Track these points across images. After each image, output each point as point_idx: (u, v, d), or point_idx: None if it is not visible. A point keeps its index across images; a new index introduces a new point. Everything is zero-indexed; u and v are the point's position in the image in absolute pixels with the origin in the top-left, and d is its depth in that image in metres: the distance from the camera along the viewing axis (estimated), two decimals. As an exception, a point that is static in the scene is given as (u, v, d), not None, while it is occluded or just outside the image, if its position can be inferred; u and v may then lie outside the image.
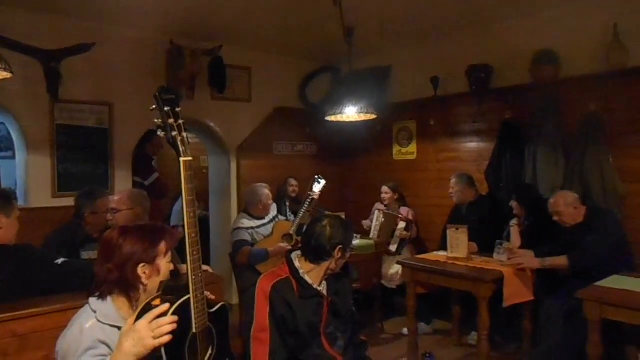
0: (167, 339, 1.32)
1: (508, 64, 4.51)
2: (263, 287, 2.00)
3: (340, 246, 2.06)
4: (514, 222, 3.92)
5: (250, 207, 4.12)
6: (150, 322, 1.32)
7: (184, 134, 1.49)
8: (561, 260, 3.25)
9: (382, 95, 5.46)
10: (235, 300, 4.92)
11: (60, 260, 2.34)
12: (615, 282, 2.95)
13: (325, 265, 2.06)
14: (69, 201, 3.80)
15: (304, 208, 4.20)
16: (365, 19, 4.34)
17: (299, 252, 2.13)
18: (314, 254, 2.06)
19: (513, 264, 3.39)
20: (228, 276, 4.66)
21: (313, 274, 2.06)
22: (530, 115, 4.30)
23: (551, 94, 4.18)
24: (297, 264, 2.08)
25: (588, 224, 3.37)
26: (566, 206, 3.37)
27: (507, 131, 4.48)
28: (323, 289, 2.09)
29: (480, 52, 4.68)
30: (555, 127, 4.14)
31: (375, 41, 5.20)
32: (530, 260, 3.38)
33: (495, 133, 4.60)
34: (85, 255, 2.97)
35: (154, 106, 1.45)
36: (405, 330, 4.19)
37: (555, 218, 3.44)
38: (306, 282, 2.04)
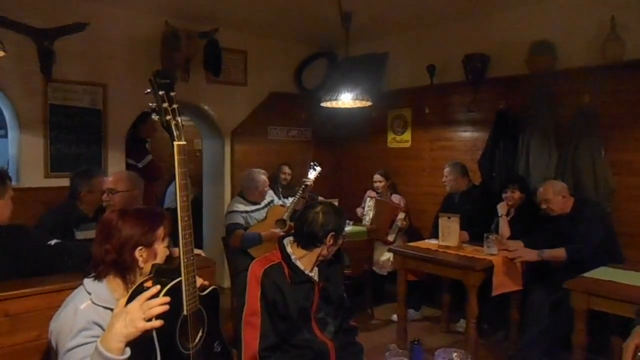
0: (158, 323, 1.33)
1: (504, 53, 4.50)
2: (255, 271, 2.02)
3: (333, 233, 2.08)
4: (501, 204, 3.95)
5: (246, 192, 4.14)
6: (142, 303, 1.33)
7: (178, 118, 1.49)
8: (559, 252, 3.28)
9: (378, 82, 5.45)
10: (227, 283, 4.95)
11: (53, 242, 2.33)
12: (602, 273, 3.00)
13: (317, 251, 2.08)
14: (61, 181, 3.81)
15: (299, 194, 4.22)
16: (363, 4, 4.31)
17: (291, 238, 2.14)
18: (306, 240, 2.07)
19: (512, 257, 3.41)
20: (220, 259, 4.68)
21: (305, 260, 2.08)
22: (524, 105, 4.30)
23: (546, 85, 4.19)
24: (289, 249, 2.09)
25: (575, 215, 3.41)
26: (554, 194, 3.41)
27: (501, 121, 4.48)
28: (314, 274, 2.11)
29: (477, 42, 4.66)
30: (549, 118, 4.15)
31: (372, 27, 5.17)
32: (528, 253, 3.40)
33: (489, 123, 4.61)
34: (80, 235, 2.97)
35: (148, 90, 1.45)
36: (394, 317, 4.25)
37: (544, 206, 3.48)
38: (298, 267, 2.05)
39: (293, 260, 2.06)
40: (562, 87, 4.14)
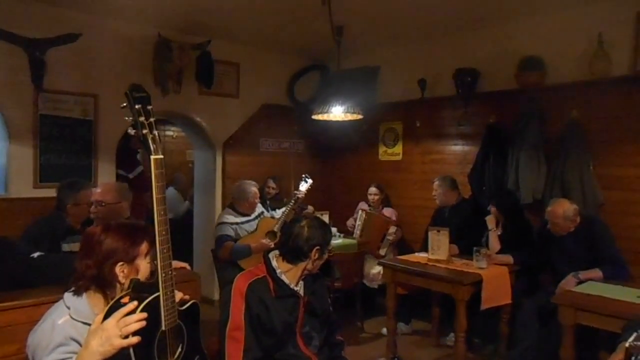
0: (135, 340, 1.31)
1: (494, 68, 4.54)
2: (239, 285, 2.01)
3: (318, 247, 2.07)
4: (490, 217, 3.95)
5: (236, 203, 4.14)
6: (118, 320, 1.32)
7: (155, 132, 1.47)
8: (595, 273, 3.21)
9: (370, 95, 5.47)
10: (216, 295, 4.92)
11: (36, 254, 2.32)
12: (590, 288, 3.00)
13: (302, 265, 2.07)
14: (50, 192, 3.76)
15: (290, 206, 4.21)
16: (355, 18, 4.34)
17: (276, 252, 2.14)
18: (291, 254, 2.07)
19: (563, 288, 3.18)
20: (210, 271, 4.66)
21: (290, 274, 2.07)
22: (514, 120, 4.33)
23: (535, 100, 4.22)
24: (274, 263, 2.08)
25: (579, 232, 3.41)
26: (565, 220, 3.39)
27: (491, 135, 4.51)
28: (300, 289, 2.10)
29: (467, 56, 4.71)
30: (538, 132, 4.18)
31: (364, 41, 5.21)
32: (568, 282, 3.22)
33: (480, 137, 4.64)
34: (67, 247, 2.95)
35: (124, 104, 1.45)
36: (384, 330, 4.21)
37: (549, 226, 3.48)
38: (283, 281, 2.04)
39: (278, 274, 2.05)
40: (551, 102, 4.18)
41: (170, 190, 6.52)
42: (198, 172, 5.73)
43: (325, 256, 2.11)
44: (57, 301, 1.56)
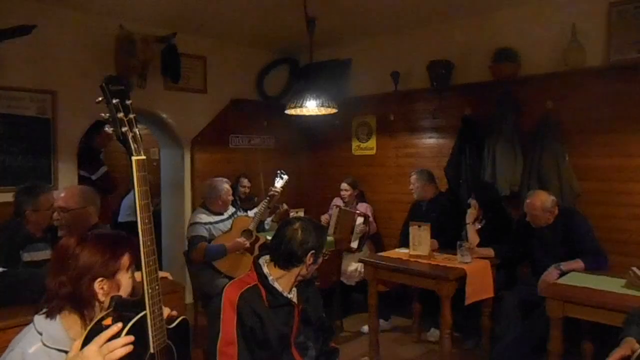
0: None
1: (469, 60, 4.51)
2: (230, 296, 1.84)
3: (313, 251, 1.93)
4: (470, 210, 3.91)
5: (209, 202, 3.98)
6: (101, 346, 1.15)
7: (136, 130, 1.31)
8: (576, 264, 3.19)
9: (341, 89, 5.37)
10: (188, 299, 4.72)
11: (-1, 270, 2.10)
12: (574, 279, 2.98)
13: (295, 271, 1.93)
14: (6, 197, 3.50)
15: (264, 203, 4.07)
16: (326, 10, 4.21)
17: (267, 257, 1.98)
18: (284, 260, 1.91)
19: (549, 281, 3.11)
20: (181, 275, 4.47)
21: (283, 281, 1.92)
22: (489, 112, 4.31)
23: (510, 92, 4.21)
24: (265, 269, 1.93)
25: (558, 224, 3.40)
26: (543, 211, 3.38)
27: (466, 128, 4.48)
28: (293, 296, 1.96)
29: (441, 48, 4.66)
30: (514, 124, 4.17)
31: (335, 34, 5.09)
32: (551, 274, 3.17)
33: (455, 129, 4.60)
34: (27, 256, 2.73)
35: (100, 98, 1.27)
36: (364, 328, 4.15)
37: (528, 218, 3.46)
38: (276, 290, 1.89)
39: (270, 282, 1.89)
40: (526, 94, 4.18)
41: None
42: (165, 172, 5.49)
43: (320, 260, 1.98)
44: (26, 325, 1.36)
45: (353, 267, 4.59)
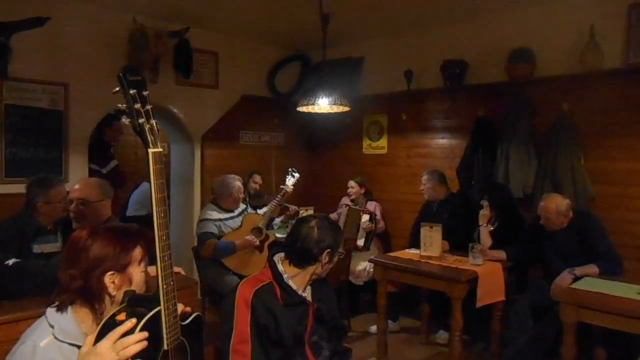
0: None
1: (483, 60, 4.46)
2: (244, 293, 1.81)
3: (329, 250, 1.89)
4: (483, 212, 3.85)
5: (219, 199, 3.97)
6: (115, 342, 1.13)
7: (153, 121, 1.28)
8: (591, 269, 3.12)
9: (353, 87, 5.33)
10: (197, 295, 4.71)
11: (11, 261, 2.07)
12: (588, 284, 2.93)
13: (310, 269, 1.89)
14: (17, 188, 3.51)
15: (275, 201, 4.05)
16: (340, 7, 4.17)
17: (282, 255, 1.94)
18: (299, 258, 1.88)
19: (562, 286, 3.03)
20: (189, 270, 4.45)
21: (297, 279, 1.89)
22: (504, 113, 4.26)
23: (525, 93, 4.16)
24: (280, 267, 1.90)
25: (572, 227, 3.34)
26: (558, 215, 3.31)
27: (480, 128, 4.43)
28: (308, 295, 1.93)
29: (455, 48, 4.61)
30: (528, 126, 4.12)
31: (348, 31, 5.05)
32: (564, 278, 3.10)
33: (467, 130, 4.55)
34: (38, 248, 2.71)
35: (117, 88, 1.24)
36: (372, 329, 4.12)
37: (542, 222, 3.41)
38: (291, 288, 1.86)
39: (285, 280, 1.86)
40: (541, 95, 4.12)
41: (145, 186, 6.25)
42: (175, 167, 5.48)
43: (336, 259, 1.94)
44: (38, 317, 1.34)
45: (361, 266, 4.56)
